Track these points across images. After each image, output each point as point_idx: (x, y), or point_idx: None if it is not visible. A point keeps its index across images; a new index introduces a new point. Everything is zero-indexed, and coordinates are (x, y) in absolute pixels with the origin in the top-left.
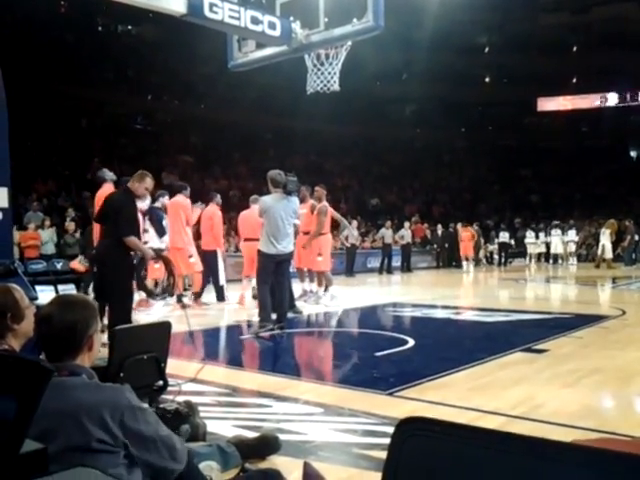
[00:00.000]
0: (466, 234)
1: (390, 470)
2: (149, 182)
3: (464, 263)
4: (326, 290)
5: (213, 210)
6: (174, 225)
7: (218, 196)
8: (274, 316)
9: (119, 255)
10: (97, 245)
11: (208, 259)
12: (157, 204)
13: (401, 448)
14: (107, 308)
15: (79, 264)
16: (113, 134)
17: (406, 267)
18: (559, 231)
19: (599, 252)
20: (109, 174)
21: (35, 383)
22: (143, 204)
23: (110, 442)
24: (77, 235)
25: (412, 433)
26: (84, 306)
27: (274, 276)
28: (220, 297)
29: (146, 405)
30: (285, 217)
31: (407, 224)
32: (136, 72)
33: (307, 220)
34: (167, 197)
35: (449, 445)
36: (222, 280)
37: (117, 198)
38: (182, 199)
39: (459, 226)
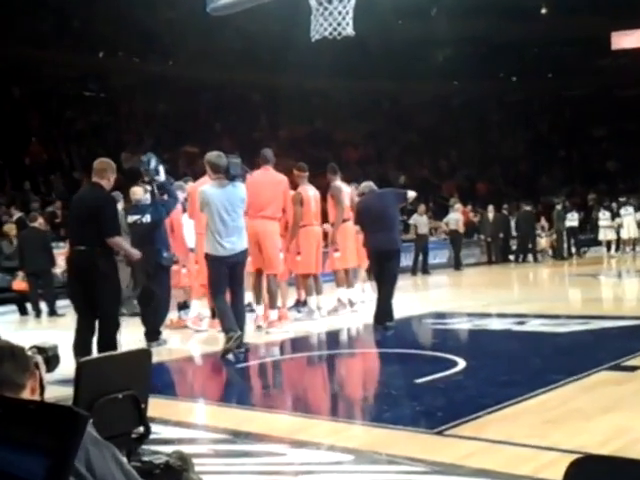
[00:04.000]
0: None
1: None
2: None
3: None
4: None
5: None
6: None
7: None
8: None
9: (108, 263)
10: (72, 254)
11: None
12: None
13: None
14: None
15: (21, 281)
16: (56, 105)
17: (457, 263)
18: (631, 209)
19: None
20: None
21: (67, 435)
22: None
23: None
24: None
25: (585, 476)
26: (11, 355)
27: (230, 284)
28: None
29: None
30: (232, 209)
31: (458, 205)
32: (82, 22)
33: (331, 209)
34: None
35: None
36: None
37: (93, 197)
38: None
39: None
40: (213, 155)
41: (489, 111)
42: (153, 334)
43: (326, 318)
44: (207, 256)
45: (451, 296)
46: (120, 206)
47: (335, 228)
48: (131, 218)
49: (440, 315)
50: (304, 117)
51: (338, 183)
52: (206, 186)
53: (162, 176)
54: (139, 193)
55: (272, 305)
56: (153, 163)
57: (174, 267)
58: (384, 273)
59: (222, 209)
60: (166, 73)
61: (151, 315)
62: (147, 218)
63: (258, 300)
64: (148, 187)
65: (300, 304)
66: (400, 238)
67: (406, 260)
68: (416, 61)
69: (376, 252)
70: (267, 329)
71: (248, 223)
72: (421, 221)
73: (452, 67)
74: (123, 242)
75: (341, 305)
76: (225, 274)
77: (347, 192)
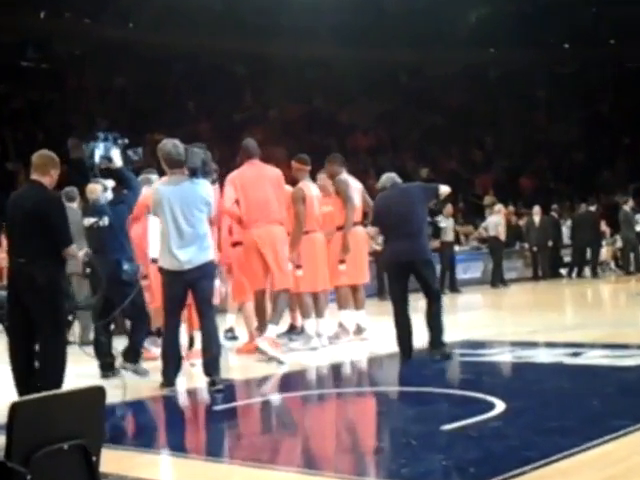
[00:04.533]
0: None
1: None
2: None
3: None
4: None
5: None
6: None
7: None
8: (199, 366)
9: (52, 279)
10: (11, 267)
11: None
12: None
13: None
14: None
15: None
16: None
17: (498, 279)
18: None
19: None
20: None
21: None
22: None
23: None
24: None
25: None
26: None
27: (195, 304)
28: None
29: None
30: (189, 211)
31: (499, 206)
32: None
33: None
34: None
35: None
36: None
37: (35, 199)
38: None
39: None
40: (167, 145)
41: (535, 86)
42: (130, 353)
43: (328, 347)
44: (161, 270)
45: (487, 320)
46: (75, 205)
47: (346, 232)
48: (87, 221)
49: (473, 344)
50: (300, 94)
51: (344, 176)
52: (159, 183)
53: (117, 161)
54: (96, 192)
55: (274, 320)
56: (100, 151)
57: (143, 282)
58: (406, 290)
59: (177, 211)
60: (125, 38)
61: (137, 329)
62: (105, 221)
63: (262, 327)
64: (109, 183)
65: (295, 330)
66: (429, 246)
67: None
68: (443, 23)
69: (397, 264)
70: (260, 343)
71: (244, 234)
72: (447, 226)
73: (488, 31)
74: (77, 250)
75: (344, 331)
76: (181, 294)
77: (357, 188)
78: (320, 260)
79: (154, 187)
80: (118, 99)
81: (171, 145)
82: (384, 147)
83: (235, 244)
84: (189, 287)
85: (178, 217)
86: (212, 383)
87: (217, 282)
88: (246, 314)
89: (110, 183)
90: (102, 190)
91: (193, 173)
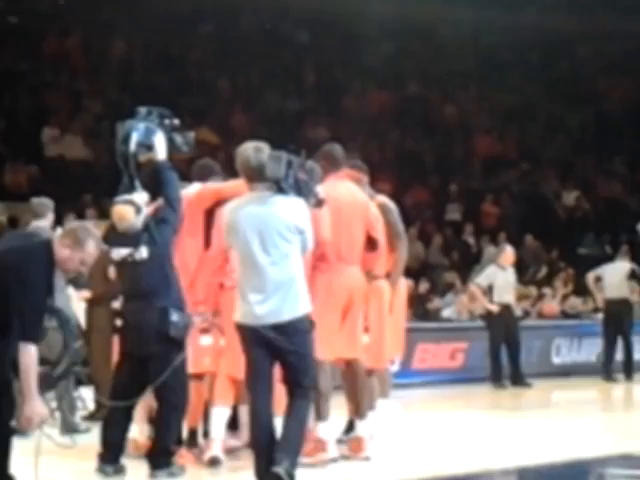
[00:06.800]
0: None
1: None
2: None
3: None
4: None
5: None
6: None
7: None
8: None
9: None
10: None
11: None
12: None
13: None
14: None
15: None
16: None
17: None
18: None
19: None
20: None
21: None
22: None
23: None
24: None
25: None
26: None
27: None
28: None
29: None
30: (270, 241)
31: None
32: None
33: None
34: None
35: None
36: None
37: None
38: None
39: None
40: (247, 149)
41: None
42: (161, 456)
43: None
44: (236, 326)
45: None
46: (46, 222)
47: (394, 280)
48: (117, 253)
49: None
50: (387, 76)
51: (384, 199)
52: (233, 202)
53: (161, 152)
54: (127, 218)
55: (361, 411)
56: (139, 134)
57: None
58: None
59: (254, 242)
60: None
61: (170, 417)
62: (142, 253)
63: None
64: (141, 197)
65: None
66: None
67: (588, 350)
68: None
69: None
70: (363, 453)
71: (325, 278)
72: (611, 278)
73: None
74: (33, 367)
75: None
76: (261, 359)
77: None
78: (387, 320)
79: (225, 209)
80: (116, 71)
81: (252, 149)
82: (512, 156)
83: None
84: (271, 350)
85: (255, 250)
86: None
87: None
88: None
89: (144, 198)
90: (135, 213)
91: (280, 187)
